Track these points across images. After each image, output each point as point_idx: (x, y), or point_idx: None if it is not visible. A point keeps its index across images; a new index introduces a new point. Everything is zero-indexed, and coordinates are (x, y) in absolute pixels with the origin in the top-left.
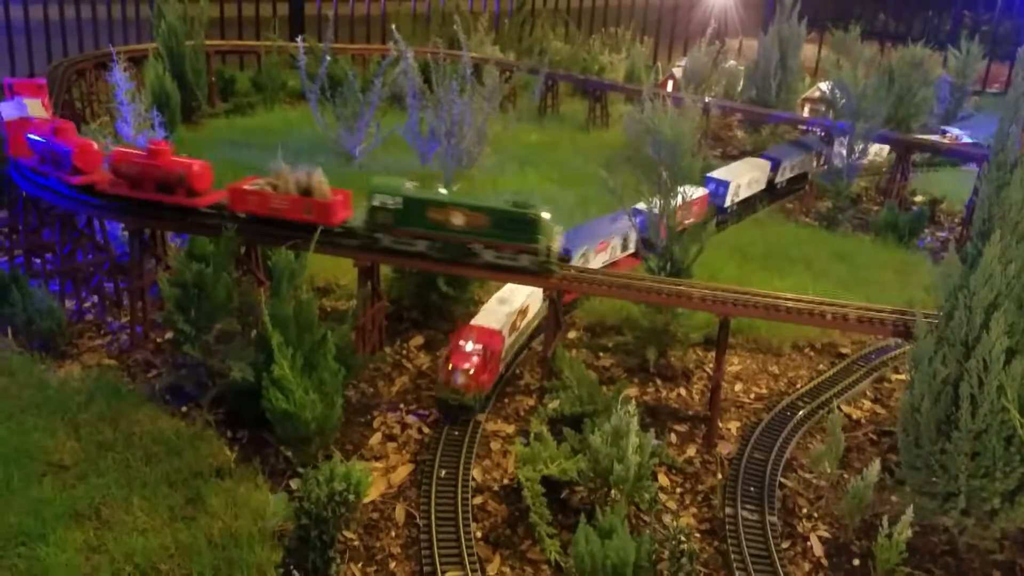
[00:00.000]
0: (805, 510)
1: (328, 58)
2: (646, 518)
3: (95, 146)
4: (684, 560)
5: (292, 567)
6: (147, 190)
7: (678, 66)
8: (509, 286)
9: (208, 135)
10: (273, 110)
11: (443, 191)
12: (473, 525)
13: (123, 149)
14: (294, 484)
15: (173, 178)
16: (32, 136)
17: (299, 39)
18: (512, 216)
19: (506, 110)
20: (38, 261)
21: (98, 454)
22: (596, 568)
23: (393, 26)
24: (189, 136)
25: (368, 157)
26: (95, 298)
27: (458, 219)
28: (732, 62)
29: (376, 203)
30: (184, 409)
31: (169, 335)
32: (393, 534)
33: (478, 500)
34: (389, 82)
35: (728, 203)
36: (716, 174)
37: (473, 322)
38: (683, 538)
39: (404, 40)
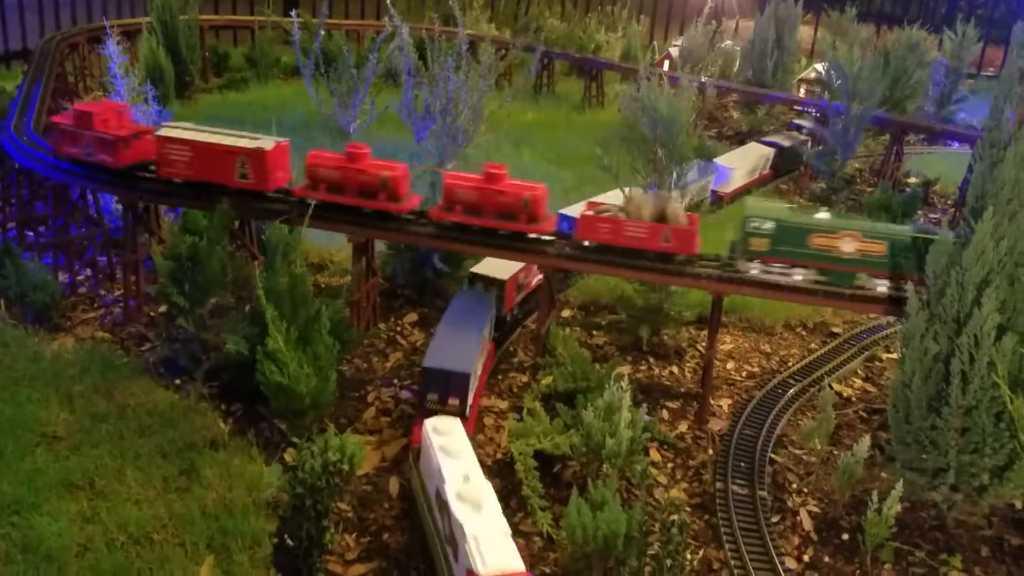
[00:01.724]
0: (795, 485)
1: (322, 34)
2: (637, 492)
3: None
4: (675, 531)
5: (286, 536)
6: (487, 217)
7: (675, 46)
8: (441, 447)
9: (202, 110)
10: (267, 86)
11: (825, 215)
12: None
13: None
14: (288, 456)
15: (515, 205)
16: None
17: (293, 14)
18: (924, 244)
19: (502, 88)
20: (31, 234)
21: (92, 426)
22: (587, 539)
23: (388, 2)
24: (183, 111)
25: (362, 133)
26: (88, 271)
27: (849, 246)
28: (728, 42)
29: (750, 228)
30: (178, 382)
31: (163, 308)
32: (387, 506)
33: None
34: (384, 58)
35: None
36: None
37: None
38: (673, 509)
39: (399, 16)
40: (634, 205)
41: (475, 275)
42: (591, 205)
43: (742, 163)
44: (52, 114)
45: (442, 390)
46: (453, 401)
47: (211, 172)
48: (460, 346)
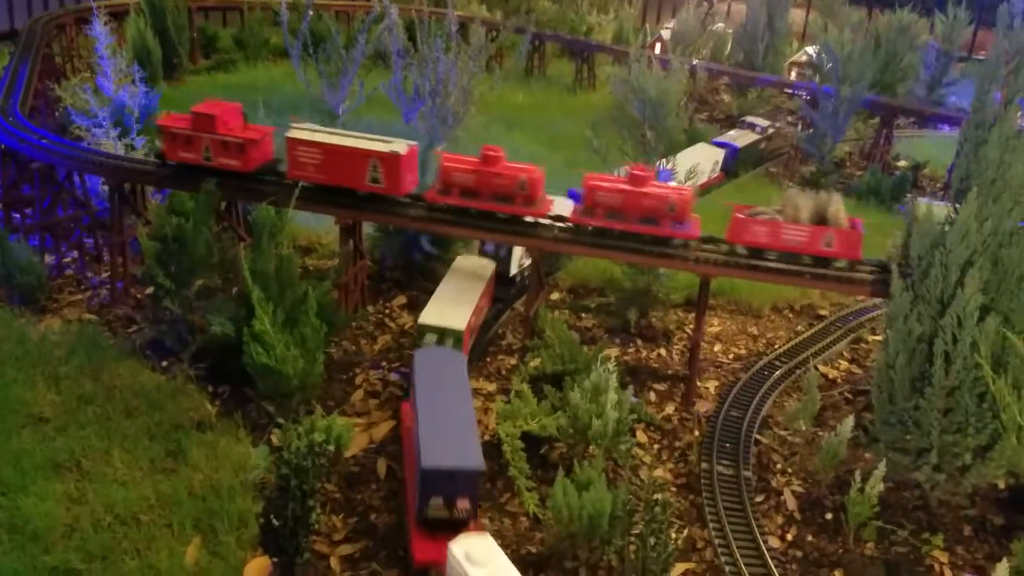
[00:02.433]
0: (780, 466)
1: (311, 14)
2: (623, 472)
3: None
4: (658, 509)
5: (272, 516)
6: (629, 221)
7: (666, 28)
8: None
9: (190, 92)
10: (255, 67)
11: None
12: None
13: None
14: (275, 437)
15: (660, 208)
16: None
17: None
18: None
19: (492, 70)
20: (17, 216)
21: (78, 407)
22: (573, 519)
23: None
24: (171, 93)
25: (352, 115)
26: (75, 253)
27: None
28: (720, 25)
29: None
30: (165, 364)
31: (150, 290)
32: (374, 487)
33: None
34: (373, 39)
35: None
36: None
37: None
38: (657, 488)
39: None
40: (791, 206)
41: (425, 327)
42: (740, 207)
43: (687, 166)
44: (38, 95)
45: (448, 493)
46: (463, 504)
47: (341, 176)
48: (457, 432)
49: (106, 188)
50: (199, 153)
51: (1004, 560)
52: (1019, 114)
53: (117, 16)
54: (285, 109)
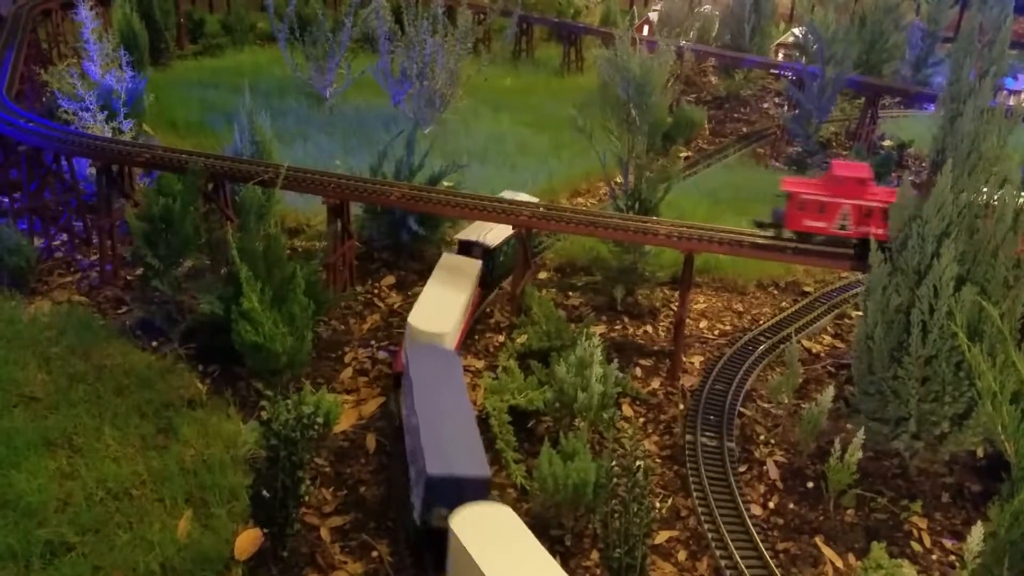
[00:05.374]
0: (763, 437)
1: None
2: (608, 445)
3: None
4: (639, 476)
5: (262, 488)
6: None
7: (654, 10)
8: None
9: (177, 76)
10: (242, 51)
11: None
12: None
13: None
14: (266, 414)
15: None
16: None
17: None
18: None
19: (479, 53)
20: (6, 199)
21: (69, 386)
22: (558, 488)
23: None
24: (158, 77)
25: (339, 98)
26: (64, 236)
27: None
28: (707, 7)
29: None
30: (155, 344)
31: (139, 272)
32: (363, 461)
33: None
34: (360, 22)
35: None
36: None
37: None
38: (639, 455)
39: None
40: None
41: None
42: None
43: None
44: (24, 80)
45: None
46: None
47: None
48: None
49: (94, 171)
50: (833, 221)
51: (979, 523)
52: (1002, 91)
53: (103, 1)
54: (272, 93)
